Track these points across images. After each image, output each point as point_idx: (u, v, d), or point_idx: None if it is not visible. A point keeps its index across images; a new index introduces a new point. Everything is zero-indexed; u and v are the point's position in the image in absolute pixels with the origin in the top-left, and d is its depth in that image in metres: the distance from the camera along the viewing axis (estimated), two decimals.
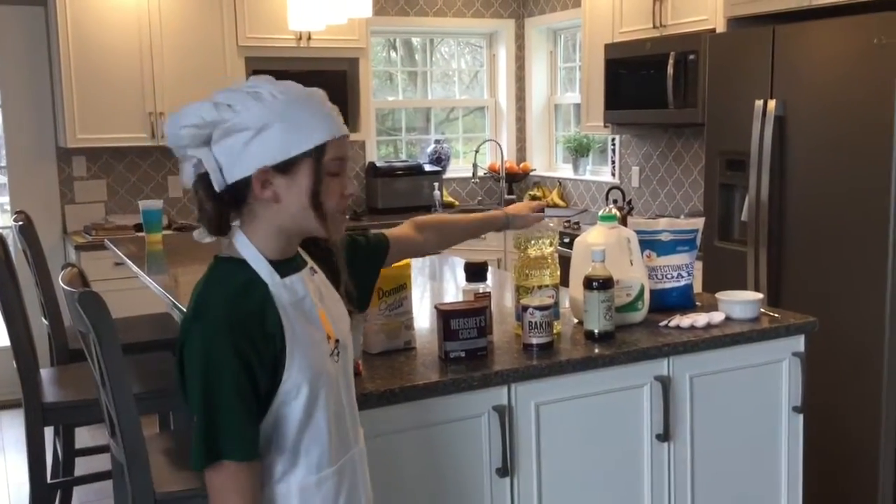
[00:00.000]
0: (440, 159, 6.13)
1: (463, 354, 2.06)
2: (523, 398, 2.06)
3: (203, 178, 1.42)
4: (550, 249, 2.26)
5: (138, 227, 4.55)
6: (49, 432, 3.41)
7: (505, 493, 2.07)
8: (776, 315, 2.45)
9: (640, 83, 4.51)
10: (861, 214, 3.10)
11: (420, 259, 3.31)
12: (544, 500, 2.12)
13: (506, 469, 2.04)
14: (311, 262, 1.54)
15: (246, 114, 1.38)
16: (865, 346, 3.12)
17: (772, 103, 3.38)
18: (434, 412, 1.96)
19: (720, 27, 3.95)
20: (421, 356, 2.13)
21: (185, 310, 2.77)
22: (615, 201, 5.12)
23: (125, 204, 5.28)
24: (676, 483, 2.29)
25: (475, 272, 2.29)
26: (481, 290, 2.25)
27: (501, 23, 6.25)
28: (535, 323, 2.12)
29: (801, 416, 2.44)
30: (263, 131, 1.38)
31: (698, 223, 2.55)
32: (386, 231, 1.97)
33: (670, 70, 4.21)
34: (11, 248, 3.28)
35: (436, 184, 5.79)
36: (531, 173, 6.20)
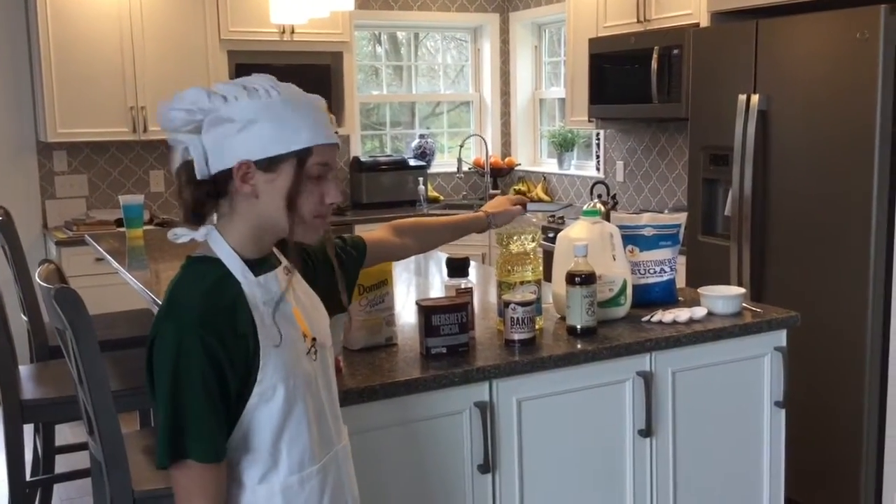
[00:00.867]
0: (425, 154, 6.11)
1: (444, 350, 2.05)
2: (505, 394, 2.05)
3: (187, 165, 1.42)
4: (533, 245, 2.25)
5: (120, 223, 4.51)
6: (29, 430, 3.38)
7: (487, 489, 2.06)
8: (758, 310, 2.45)
9: (625, 78, 4.51)
10: (844, 209, 3.11)
11: None
12: (526, 497, 2.11)
13: (487, 465, 2.03)
14: (285, 262, 1.53)
15: (235, 106, 1.39)
16: (848, 341, 3.12)
17: (755, 98, 3.38)
18: (415, 409, 1.95)
19: (704, 22, 3.95)
20: (402, 352, 2.12)
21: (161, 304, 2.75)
22: (600, 196, 5.12)
23: (106, 199, 5.24)
24: (659, 478, 2.28)
25: (457, 268, 2.28)
26: (463, 286, 2.24)
27: (486, 17, 6.23)
28: (517, 319, 2.11)
29: (783, 411, 2.44)
30: (251, 126, 1.38)
31: (681, 218, 2.55)
32: (364, 234, 1.96)
33: (654, 65, 4.21)
34: None
35: (420, 179, 5.78)
36: (516, 168, 6.19)
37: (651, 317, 2.34)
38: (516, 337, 2.12)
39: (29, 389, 2.89)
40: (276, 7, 4.03)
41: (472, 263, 2.51)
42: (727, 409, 2.37)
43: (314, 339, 1.49)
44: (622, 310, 2.36)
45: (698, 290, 2.48)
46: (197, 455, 1.34)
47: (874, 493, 3.15)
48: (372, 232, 2.01)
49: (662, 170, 4.94)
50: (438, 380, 1.96)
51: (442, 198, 6.06)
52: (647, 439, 2.24)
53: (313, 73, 5.35)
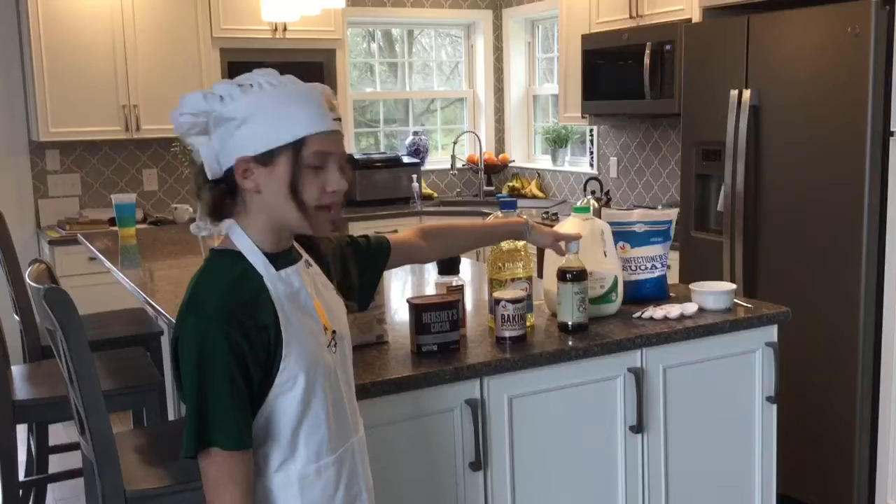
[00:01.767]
0: (419, 151, 6.10)
1: (435, 348, 2.05)
2: (496, 391, 2.05)
3: (202, 166, 1.46)
4: (524, 242, 2.25)
5: (113, 222, 4.51)
6: (22, 430, 3.38)
7: (478, 487, 2.06)
8: (749, 305, 2.45)
9: (618, 74, 4.51)
10: (836, 203, 3.11)
11: None
12: (518, 494, 2.11)
13: (479, 463, 2.03)
14: (305, 256, 1.56)
15: (232, 104, 1.41)
16: (840, 335, 3.13)
17: (747, 93, 3.38)
18: (406, 407, 1.95)
19: (696, 17, 3.94)
20: (393, 350, 2.11)
21: (153, 304, 2.74)
22: (593, 192, 5.12)
23: (99, 198, 5.23)
24: (650, 474, 2.29)
25: (448, 265, 2.27)
26: (454, 284, 2.24)
27: (479, 13, 6.22)
28: (508, 316, 2.11)
29: (774, 407, 2.45)
30: (247, 122, 1.41)
31: (672, 214, 2.55)
32: (390, 236, 1.95)
33: (647, 60, 4.21)
34: None
35: (414, 176, 5.77)
36: (510, 164, 6.19)
37: (642, 313, 2.34)
38: (507, 334, 2.12)
39: (21, 389, 2.88)
40: (268, 5, 4.03)
41: (465, 261, 2.51)
42: (719, 404, 2.37)
43: (334, 332, 1.53)
44: (613, 306, 2.36)
45: (689, 286, 2.48)
46: (222, 443, 1.37)
47: (867, 488, 3.16)
48: (399, 234, 2.00)
49: (656, 165, 4.94)
50: (429, 377, 1.96)
51: (436, 195, 6.05)
52: (639, 435, 2.25)
53: (306, 70, 5.33)
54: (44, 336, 3.19)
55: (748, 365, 2.40)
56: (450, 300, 2.09)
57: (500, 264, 2.23)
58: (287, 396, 1.43)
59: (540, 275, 2.41)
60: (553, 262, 2.28)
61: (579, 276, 2.18)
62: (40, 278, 2.17)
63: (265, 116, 1.40)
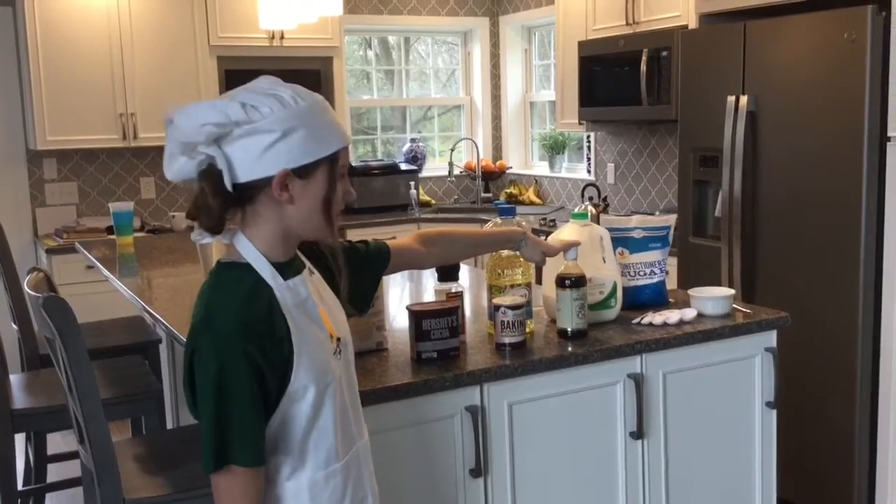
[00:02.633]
0: (416, 158, 6.11)
1: (435, 355, 2.05)
2: (496, 398, 2.05)
3: (209, 174, 1.41)
4: None
5: (110, 230, 4.50)
6: (21, 439, 3.37)
7: (479, 493, 2.06)
8: (748, 311, 2.45)
9: (614, 80, 4.51)
10: (833, 209, 3.12)
11: None
12: (518, 501, 2.11)
13: (479, 470, 2.03)
14: (308, 264, 1.56)
15: (272, 117, 1.40)
16: (839, 340, 3.13)
17: (744, 99, 3.39)
18: (406, 413, 1.95)
19: (692, 23, 3.96)
20: (393, 357, 2.11)
21: (151, 312, 2.73)
22: (591, 198, 5.12)
23: (97, 206, 5.23)
24: (651, 480, 2.28)
25: (447, 271, 2.28)
26: (453, 290, 2.24)
27: (476, 21, 6.24)
28: (508, 322, 2.11)
29: (774, 412, 2.45)
30: (289, 135, 1.40)
31: (670, 220, 2.55)
32: (389, 241, 1.95)
33: (643, 67, 4.22)
34: None
35: (412, 183, 5.77)
36: (507, 171, 6.19)
37: (641, 319, 2.34)
38: (507, 340, 2.12)
39: (20, 398, 2.87)
40: (265, 13, 4.03)
41: (464, 267, 2.51)
42: (718, 410, 2.37)
43: (339, 339, 1.54)
44: (612, 312, 2.36)
45: (688, 292, 2.49)
46: (241, 460, 1.38)
47: (867, 493, 3.16)
48: (398, 239, 2.00)
49: (653, 172, 4.95)
50: (429, 384, 1.95)
51: (434, 202, 6.06)
52: (639, 441, 2.25)
53: (303, 78, 5.30)
54: (42, 345, 3.19)
55: (748, 370, 2.40)
56: (449, 307, 2.09)
57: (499, 270, 2.23)
58: (298, 406, 1.43)
59: (539, 281, 2.41)
60: (552, 268, 2.28)
61: (578, 282, 2.18)
62: (39, 287, 2.16)
63: (307, 130, 1.41)
